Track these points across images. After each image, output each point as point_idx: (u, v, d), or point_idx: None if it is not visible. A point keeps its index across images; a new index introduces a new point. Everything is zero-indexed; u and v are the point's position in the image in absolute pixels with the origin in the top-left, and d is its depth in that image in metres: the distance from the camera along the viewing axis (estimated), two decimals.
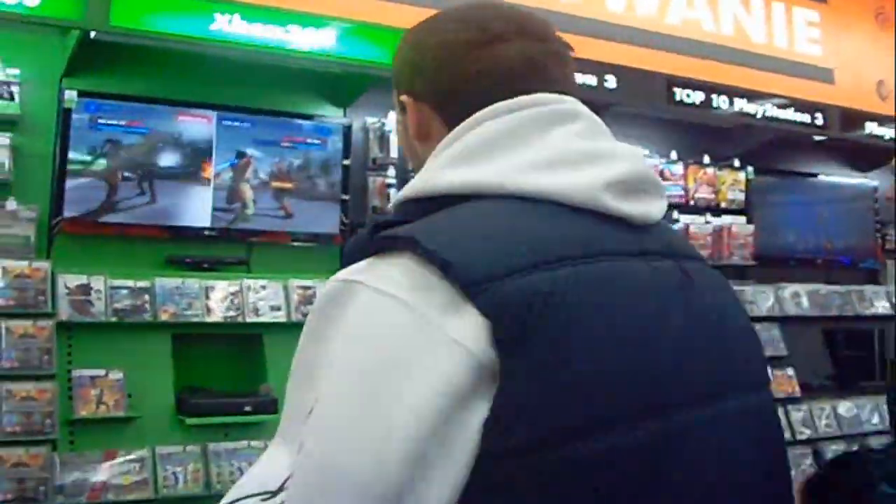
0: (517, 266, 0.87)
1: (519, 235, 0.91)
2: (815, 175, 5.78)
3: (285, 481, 0.92)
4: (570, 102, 1.05)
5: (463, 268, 0.86)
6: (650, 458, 0.89)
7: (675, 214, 5.05)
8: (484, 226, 0.92)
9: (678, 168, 5.06)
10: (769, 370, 4.77)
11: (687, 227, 5.02)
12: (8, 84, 3.46)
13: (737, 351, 1.06)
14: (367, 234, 0.97)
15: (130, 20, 3.29)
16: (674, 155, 5.08)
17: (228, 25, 3.46)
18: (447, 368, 0.83)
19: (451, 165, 1.00)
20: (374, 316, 0.88)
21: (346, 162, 4.12)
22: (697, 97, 4.68)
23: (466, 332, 0.84)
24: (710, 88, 4.76)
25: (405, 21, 1.34)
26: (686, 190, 5.08)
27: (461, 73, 1.06)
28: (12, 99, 3.47)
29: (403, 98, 1.11)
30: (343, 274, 0.94)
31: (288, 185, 4.02)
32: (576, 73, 1.16)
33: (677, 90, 4.60)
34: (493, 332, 0.84)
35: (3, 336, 3.34)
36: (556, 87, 1.06)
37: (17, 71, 3.48)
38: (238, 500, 0.97)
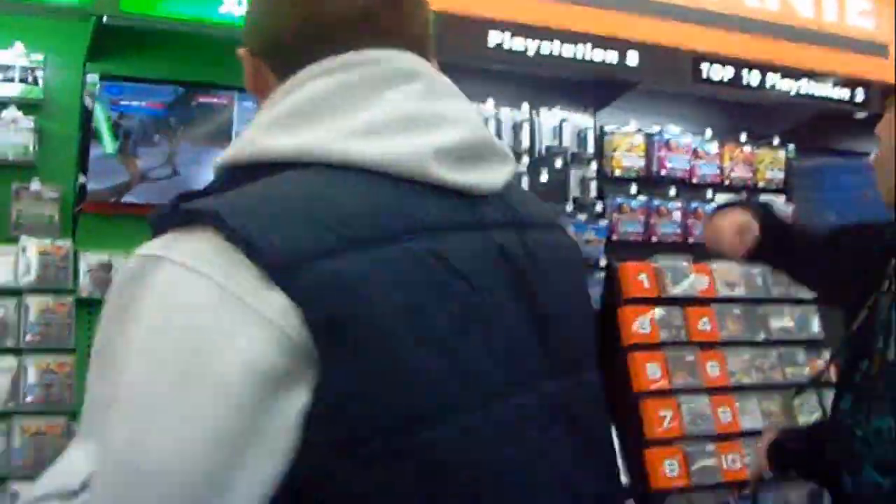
0: (327, 247, 0.82)
1: (331, 211, 0.85)
2: (860, 154, 5.55)
3: (88, 478, 0.83)
4: (408, 59, 0.98)
5: (268, 250, 0.80)
6: (472, 449, 0.87)
7: (710, 194, 4.93)
8: (293, 200, 0.85)
9: (713, 147, 4.90)
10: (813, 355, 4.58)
11: None
12: (32, 69, 3.58)
13: (561, 331, 1.01)
14: (170, 205, 0.90)
15: (140, 5, 3.37)
16: (708, 133, 4.93)
17: (237, 7, 3.52)
18: (259, 347, 0.78)
19: (268, 131, 0.94)
20: (179, 292, 0.82)
21: None
22: (727, 73, 4.53)
23: (278, 312, 0.79)
24: (739, 64, 4.60)
25: None
26: (721, 169, 4.92)
27: (283, 24, 0.99)
28: (36, 83, 3.58)
29: (240, 52, 1.06)
30: (144, 249, 0.87)
31: None
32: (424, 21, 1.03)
33: (704, 66, 4.46)
34: (306, 318, 0.79)
35: (29, 311, 3.48)
36: (392, 42, 0.98)
37: (40, 56, 3.59)
38: (36, 501, 0.86)
